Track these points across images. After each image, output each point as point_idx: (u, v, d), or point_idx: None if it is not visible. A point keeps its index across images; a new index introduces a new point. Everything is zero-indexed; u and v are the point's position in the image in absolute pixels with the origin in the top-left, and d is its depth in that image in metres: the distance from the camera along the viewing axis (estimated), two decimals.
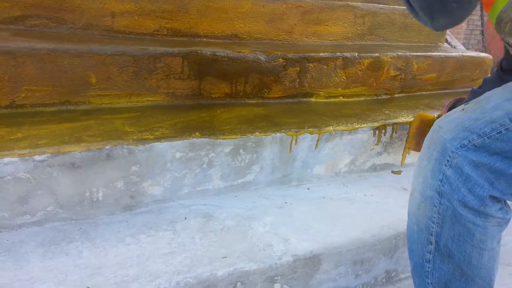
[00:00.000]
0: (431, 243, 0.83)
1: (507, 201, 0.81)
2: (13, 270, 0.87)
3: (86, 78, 1.33)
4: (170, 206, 1.20)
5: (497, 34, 1.00)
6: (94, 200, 1.10)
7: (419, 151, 1.21)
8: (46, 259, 0.92)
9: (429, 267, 0.84)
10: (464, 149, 0.75)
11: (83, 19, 1.57)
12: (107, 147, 1.07)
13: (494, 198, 0.76)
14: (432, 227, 0.82)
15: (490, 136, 0.74)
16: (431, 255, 0.84)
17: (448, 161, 0.76)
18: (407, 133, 1.55)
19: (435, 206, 0.80)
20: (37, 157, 0.99)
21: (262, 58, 1.59)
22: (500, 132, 0.73)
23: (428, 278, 0.85)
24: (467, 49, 7.35)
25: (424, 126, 1.37)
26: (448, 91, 2.18)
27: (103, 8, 1.59)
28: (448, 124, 0.81)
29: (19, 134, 1.08)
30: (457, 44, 2.72)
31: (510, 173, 0.72)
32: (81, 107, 1.34)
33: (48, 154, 1.00)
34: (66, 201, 1.06)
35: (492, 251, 0.80)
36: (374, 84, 1.91)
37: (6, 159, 0.96)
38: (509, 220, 0.81)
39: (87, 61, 1.31)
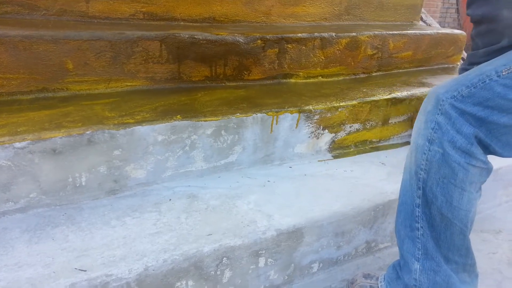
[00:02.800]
0: (419, 188, 0.92)
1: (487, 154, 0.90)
2: None
3: (62, 64, 1.31)
4: (154, 188, 1.21)
5: None
6: (78, 185, 1.10)
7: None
8: (32, 244, 0.93)
9: (418, 211, 0.94)
10: (454, 99, 0.85)
11: (57, 5, 1.54)
12: (88, 132, 1.07)
13: (479, 141, 0.86)
14: (420, 174, 0.92)
15: (476, 86, 0.84)
16: (419, 200, 0.93)
17: (439, 109, 0.87)
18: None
19: (424, 153, 0.90)
20: (17, 144, 0.99)
21: (241, 40, 1.60)
22: (485, 81, 0.83)
23: (418, 223, 0.94)
24: (443, 27, 7.43)
25: None
26: (424, 68, 2.23)
27: None
28: (444, 83, 0.92)
29: None
30: (432, 22, 2.78)
31: (489, 121, 0.84)
32: (59, 94, 1.33)
33: (29, 141, 1.00)
34: (49, 187, 1.07)
35: (470, 194, 0.89)
36: (352, 63, 1.94)
37: None
38: (488, 171, 0.91)
39: (63, 47, 1.30)
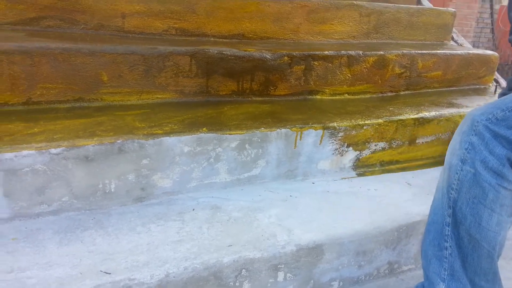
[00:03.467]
0: (450, 207, 0.93)
1: None
2: (32, 254, 0.93)
3: (98, 76, 1.38)
4: (179, 198, 1.24)
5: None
6: (107, 191, 1.15)
7: None
8: (62, 245, 0.97)
9: (448, 230, 0.94)
10: (488, 121, 0.87)
11: (95, 20, 1.63)
12: (118, 141, 1.12)
13: (511, 163, 0.86)
14: (451, 193, 0.92)
15: (511, 109, 0.85)
16: (450, 219, 0.93)
17: (474, 130, 0.88)
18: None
19: (456, 173, 0.91)
20: (53, 150, 1.05)
21: (268, 56, 1.63)
22: None
23: (447, 242, 0.94)
24: (477, 47, 7.30)
25: None
26: (455, 88, 2.20)
27: (113, 9, 1.65)
28: (482, 106, 0.94)
29: (35, 129, 1.14)
30: (464, 42, 2.73)
31: None
32: (94, 104, 1.39)
33: (63, 148, 1.06)
34: (81, 192, 1.12)
35: (500, 216, 0.88)
36: (379, 81, 1.93)
37: (24, 152, 1.02)
38: None
39: (99, 60, 1.37)
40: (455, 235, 0.93)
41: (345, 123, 1.48)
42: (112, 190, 1.15)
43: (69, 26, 1.60)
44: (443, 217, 0.95)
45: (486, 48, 6.99)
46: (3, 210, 1.04)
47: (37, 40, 1.34)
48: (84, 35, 1.58)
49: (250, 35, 1.95)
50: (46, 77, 1.32)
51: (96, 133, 1.14)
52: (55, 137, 1.10)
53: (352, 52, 1.81)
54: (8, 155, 1.00)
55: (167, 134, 1.20)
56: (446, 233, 0.95)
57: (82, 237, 1.01)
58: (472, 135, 0.89)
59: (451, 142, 0.97)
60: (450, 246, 0.94)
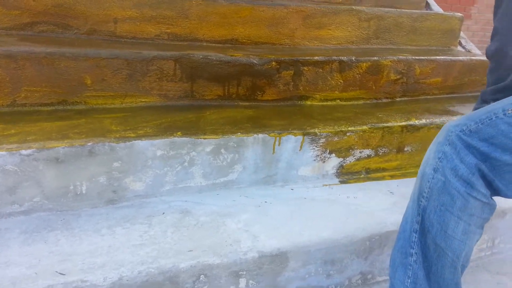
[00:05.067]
0: (419, 214, 0.93)
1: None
2: None
3: (81, 79, 1.42)
4: (151, 201, 1.25)
5: None
6: (78, 193, 1.17)
7: None
8: (25, 245, 1.00)
9: (415, 237, 0.94)
10: (462, 132, 0.87)
11: (88, 25, 1.68)
12: (89, 143, 1.14)
13: (482, 174, 0.86)
14: (421, 201, 0.92)
15: (483, 122, 0.86)
16: (417, 226, 0.93)
17: (448, 140, 0.89)
18: None
19: (428, 181, 0.91)
20: (23, 152, 1.08)
21: (255, 61, 1.63)
22: (491, 119, 0.85)
23: (413, 249, 0.94)
24: None
25: None
26: (456, 95, 2.13)
27: (106, 14, 1.69)
28: (458, 118, 0.97)
29: (12, 130, 1.18)
30: (472, 47, 2.64)
31: (493, 157, 0.84)
32: (77, 107, 1.43)
33: (34, 149, 1.09)
34: (52, 193, 1.14)
35: (468, 225, 0.88)
36: (374, 87, 1.89)
37: None
38: (491, 207, 0.88)
39: (82, 63, 1.40)
40: (421, 242, 0.93)
41: (327, 129, 1.45)
42: (84, 191, 1.18)
43: (62, 31, 1.65)
44: (411, 224, 0.95)
45: None
46: None
47: (24, 45, 1.39)
48: (76, 39, 1.63)
49: (244, 40, 1.96)
50: (30, 80, 1.36)
51: (68, 136, 1.17)
52: (28, 138, 1.13)
53: (344, 58, 1.79)
54: None
55: (139, 137, 1.21)
56: (413, 239, 0.94)
57: (47, 237, 1.04)
58: (446, 145, 0.89)
59: (427, 151, 0.97)
60: (416, 253, 0.93)
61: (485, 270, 1.36)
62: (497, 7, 1.13)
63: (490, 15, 6.12)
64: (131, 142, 1.19)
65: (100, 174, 1.18)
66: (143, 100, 1.53)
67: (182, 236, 1.09)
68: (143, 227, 1.11)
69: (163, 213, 1.20)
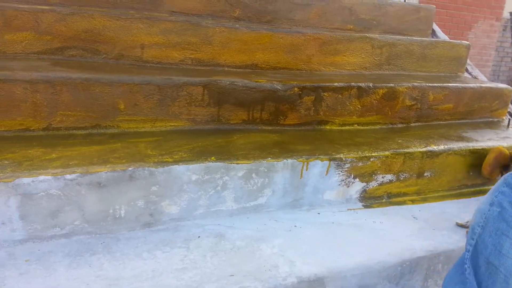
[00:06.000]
0: (473, 239, 1.00)
1: None
2: (43, 277, 0.97)
3: (115, 104, 1.46)
4: (186, 225, 1.28)
5: None
6: (117, 216, 1.20)
7: (491, 177, 1.70)
8: (71, 269, 1.02)
9: (468, 262, 1.01)
10: None
11: (116, 50, 1.73)
12: (130, 168, 1.18)
13: None
14: (476, 229, 1.00)
15: None
16: (471, 248, 1.00)
17: (505, 183, 0.97)
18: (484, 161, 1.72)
19: (484, 214, 0.99)
20: (67, 176, 1.11)
21: (278, 87, 1.69)
22: None
23: (464, 275, 1.01)
24: (497, 75, 7.20)
25: (500, 159, 1.65)
26: (467, 121, 2.19)
27: (133, 40, 1.74)
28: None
29: (53, 155, 1.20)
30: (478, 74, 2.74)
31: None
32: (109, 130, 1.46)
33: (78, 174, 1.12)
34: (92, 217, 1.17)
35: None
36: (389, 113, 1.95)
37: (41, 177, 1.08)
38: None
39: (116, 89, 1.45)
40: (473, 265, 1.00)
41: (351, 154, 1.50)
42: (122, 215, 1.20)
43: (91, 56, 1.70)
44: (465, 250, 1.02)
45: (507, 77, 6.91)
46: (19, 232, 1.10)
47: (60, 70, 1.43)
48: (104, 64, 1.67)
49: (263, 66, 2.02)
50: (66, 105, 1.40)
51: (109, 160, 1.20)
52: (70, 163, 1.16)
53: (362, 84, 1.85)
54: (26, 180, 1.07)
55: (177, 162, 1.25)
56: (466, 265, 1.01)
57: (91, 261, 1.06)
58: (503, 186, 0.97)
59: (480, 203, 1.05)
60: (468, 278, 1.00)
61: None
62: None
63: (486, 40, 6.32)
64: (169, 167, 1.22)
65: (138, 198, 1.21)
66: (172, 124, 1.56)
67: (221, 261, 1.11)
68: (182, 251, 1.14)
69: (199, 236, 1.22)
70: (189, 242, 1.18)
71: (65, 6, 1.72)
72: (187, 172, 1.25)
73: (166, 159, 1.26)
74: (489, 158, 1.69)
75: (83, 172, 1.12)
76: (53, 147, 1.27)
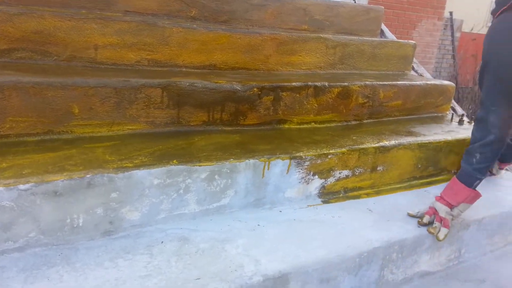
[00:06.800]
0: None
1: None
2: None
3: (69, 108, 1.40)
4: (148, 230, 1.26)
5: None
6: (75, 226, 1.16)
7: None
8: (28, 284, 0.97)
9: None
10: None
11: (67, 52, 1.66)
12: (88, 175, 1.14)
13: None
14: None
15: None
16: None
17: None
18: None
19: None
20: (21, 186, 1.06)
21: (238, 88, 1.70)
22: None
23: None
24: (439, 72, 7.64)
25: None
26: (414, 116, 2.33)
27: (86, 41, 1.68)
28: None
29: (4, 164, 1.14)
30: (424, 71, 2.91)
31: None
32: (63, 136, 1.41)
33: (32, 183, 1.07)
34: (48, 228, 1.12)
35: None
36: (344, 111, 2.03)
37: None
38: None
39: (70, 93, 1.39)
40: None
41: (311, 152, 1.55)
42: (80, 224, 1.16)
43: (41, 58, 1.62)
44: None
45: (448, 73, 7.38)
46: None
47: (8, 73, 1.35)
48: (56, 66, 1.60)
49: (222, 66, 2.02)
50: (16, 110, 1.32)
51: (65, 168, 1.16)
52: (23, 172, 1.11)
53: (318, 83, 1.91)
54: None
55: (137, 167, 1.23)
56: None
57: (49, 274, 1.02)
58: None
59: None
60: None
61: (454, 278, 1.51)
62: (481, 78, 1.34)
63: (429, 39, 6.71)
64: (129, 172, 1.20)
65: (97, 205, 1.18)
66: (131, 127, 1.53)
67: (186, 264, 1.11)
68: (145, 258, 1.12)
69: (162, 241, 1.21)
70: (152, 248, 1.17)
71: (11, 5, 1.62)
72: (149, 177, 1.24)
73: (126, 164, 1.23)
74: None
75: (38, 181, 1.08)
76: (3, 155, 1.20)
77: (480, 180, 1.39)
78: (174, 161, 1.30)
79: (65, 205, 1.13)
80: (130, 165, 1.23)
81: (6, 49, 1.55)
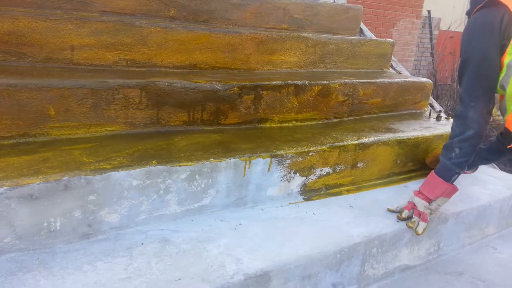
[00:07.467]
0: None
1: None
2: None
3: (45, 111, 1.37)
4: (128, 232, 1.25)
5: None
6: (52, 230, 1.14)
7: (430, 166, 1.88)
8: None
9: None
10: None
11: (43, 53, 1.62)
12: (65, 178, 1.12)
13: None
14: None
15: None
16: None
17: None
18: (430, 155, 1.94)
19: None
20: None
21: (218, 87, 1.70)
22: None
23: None
24: (418, 69, 7.77)
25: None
26: (393, 113, 2.37)
27: (62, 42, 1.65)
28: None
29: None
30: (402, 69, 2.96)
31: None
32: (39, 138, 1.38)
33: (7, 187, 1.04)
34: (24, 232, 1.10)
35: None
36: (325, 109, 2.05)
37: None
38: None
39: (46, 94, 1.36)
40: None
41: (292, 150, 1.56)
42: (58, 228, 1.14)
43: (15, 60, 1.58)
44: None
45: (426, 71, 7.52)
46: None
47: None
48: (31, 68, 1.57)
49: (202, 66, 2.01)
50: None
51: (41, 171, 1.13)
52: None
53: (298, 82, 1.92)
54: None
55: (115, 168, 1.21)
56: None
57: (25, 279, 0.99)
58: None
59: None
60: None
61: (434, 271, 1.54)
62: (460, 75, 1.37)
63: (408, 37, 6.83)
64: (107, 173, 1.18)
65: (75, 208, 1.16)
66: (108, 129, 1.51)
67: (167, 266, 1.10)
68: (125, 260, 1.11)
69: (142, 243, 1.20)
70: (132, 250, 1.16)
71: None
72: (128, 178, 1.22)
73: (104, 166, 1.21)
74: (436, 153, 1.86)
75: (13, 184, 1.05)
76: None
77: (458, 174, 1.42)
78: (154, 161, 1.29)
79: (42, 209, 1.10)
80: (108, 166, 1.22)
81: None
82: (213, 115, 1.73)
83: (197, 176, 1.35)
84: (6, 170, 1.12)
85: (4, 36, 1.53)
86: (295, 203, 1.56)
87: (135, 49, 1.82)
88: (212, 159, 1.38)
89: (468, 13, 1.46)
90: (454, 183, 1.44)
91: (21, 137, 1.35)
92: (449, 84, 6.17)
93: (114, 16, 1.90)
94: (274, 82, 1.85)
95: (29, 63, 1.60)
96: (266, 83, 1.83)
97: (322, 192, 1.67)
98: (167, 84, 1.59)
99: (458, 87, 1.49)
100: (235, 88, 1.74)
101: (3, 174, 1.09)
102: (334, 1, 3.16)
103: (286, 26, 2.51)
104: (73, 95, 1.41)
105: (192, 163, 1.34)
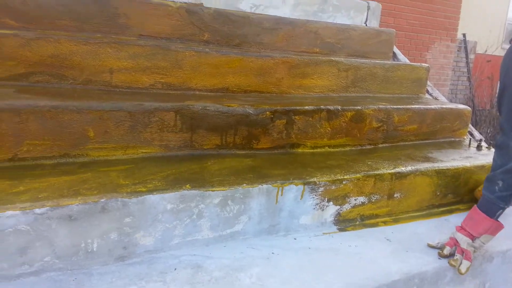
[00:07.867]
0: None
1: None
2: None
3: (84, 132, 1.41)
4: (161, 256, 1.24)
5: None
6: (89, 251, 1.15)
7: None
8: None
9: None
10: None
11: (83, 75, 1.68)
12: (102, 200, 1.14)
13: None
14: None
15: None
16: None
17: None
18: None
19: None
20: (37, 210, 1.05)
21: (251, 111, 1.70)
22: None
23: None
24: (455, 94, 7.56)
25: None
26: (430, 141, 2.29)
27: (102, 65, 1.71)
28: None
29: (21, 187, 1.14)
30: (438, 95, 2.89)
31: None
32: (79, 159, 1.41)
33: (48, 207, 1.06)
34: (63, 252, 1.11)
35: None
36: (358, 135, 2.01)
37: (8, 212, 1.02)
38: None
39: (86, 116, 1.40)
40: None
41: (325, 178, 1.52)
42: (95, 249, 1.15)
43: (57, 81, 1.65)
44: None
45: (465, 95, 7.33)
46: None
47: (25, 97, 1.37)
48: (72, 90, 1.63)
49: (234, 89, 2.03)
50: (33, 133, 1.34)
51: (80, 192, 1.15)
52: (39, 196, 1.10)
53: (331, 107, 1.90)
54: None
55: (151, 191, 1.22)
56: None
57: None
58: None
59: None
60: None
61: None
62: (500, 102, 1.32)
63: (443, 60, 6.71)
64: (143, 196, 1.19)
65: (111, 230, 1.17)
66: (144, 151, 1.53)
67: None
68: (158, 285, 1.10)
69: (175, 268, 1.19)
70: (165, 275, 1.15)
71: (29, 30, 1.67)
72: (162, 202, 1.23)
73: (140, 189, 1.22)
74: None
75: (54, 205, 1.07)
76: (20, 179, 1.20)
77: (503, 209, 1.35)
78: (188, 185, 1.29)
79: (80, 230, 1.12)
80: (144, 189, 1.22)
81: (24, 73, 1.58)
82: (245, 139, 1.73)
83: (229, 202, 1.34)
84: (47, 190, 1.14)
85: (48, 59, 1.60)
86: (329, 233, 1.52)
87: (170, 73, 1.86)
88: (245, 184, 1.37)
89: (510, 40, 1.42)
90: (499, 219, 1.36)
91: (62, 157, 1.39)
92: (488, 110, 5.96)
93: (150, 40, 1.96)
94: (306, 107, 1.84)
95: (70, 85, 1.66)
96: (298, 107, 1.82)
97: (357, 222, 1.62)
98: (200, 107, 1.61)
99: (498, 114, 1.42)
100: (267, 112, 1.74)
101: (45, 194, 1.12)
102: (366, 25, 3.15)
103: (317, 50, 2.52)
104: (112, 118, 1.45)
105: (225, 188, 1.33)
